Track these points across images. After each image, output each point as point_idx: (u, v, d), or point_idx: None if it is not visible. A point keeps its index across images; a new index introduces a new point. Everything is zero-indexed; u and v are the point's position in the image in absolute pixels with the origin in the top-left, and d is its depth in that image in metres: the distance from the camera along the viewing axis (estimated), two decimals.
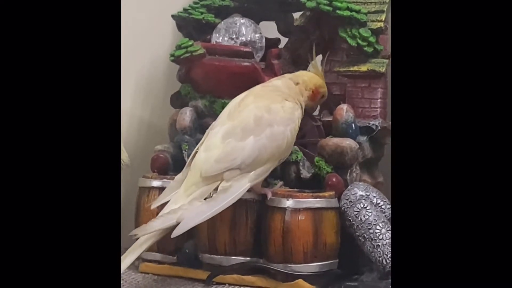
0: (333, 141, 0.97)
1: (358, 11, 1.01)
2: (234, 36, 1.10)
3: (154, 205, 0.95)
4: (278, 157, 0.93)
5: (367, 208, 0.93)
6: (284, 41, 1.12)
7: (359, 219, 0.93)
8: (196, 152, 0.94)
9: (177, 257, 1.00)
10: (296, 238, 0.92)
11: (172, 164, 1.05)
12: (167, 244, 0.98)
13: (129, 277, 0.99)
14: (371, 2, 1.04)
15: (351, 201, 0.94)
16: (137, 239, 0.88)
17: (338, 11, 1.01)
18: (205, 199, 0.89)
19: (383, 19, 1.03)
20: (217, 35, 1.10)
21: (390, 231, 0.92)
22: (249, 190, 0.91)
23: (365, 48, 1.01)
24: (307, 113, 0.99)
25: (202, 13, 1.11)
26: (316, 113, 1.07)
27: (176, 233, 0.86)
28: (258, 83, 1.00)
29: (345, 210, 0.94)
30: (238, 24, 1.10)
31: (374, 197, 0.95)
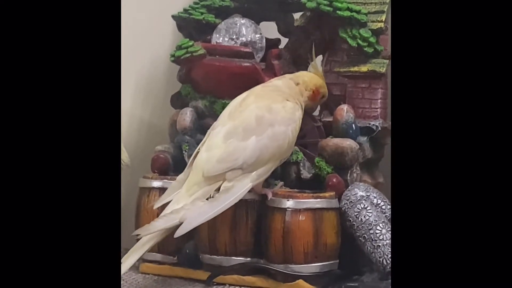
0: (333, 142, 0.97)
1: (358, 12, 1.01)
2: (234, 37, 1.10)
3: (156, 205, 0.95)
4: (279, 157, 0.93)
5: (368, 208, 0.93)
6: (284, 41, 1.12)
7: (360, 219, 0.93)
8: (197, 152, 0.94)
9: (178, 257, 1.00)
10: (296, 238, 0.92)
11: (173, 165, 1.05)
12: (167, 244, 0.98)
13: (130, 277, 0.99)
14: (371, 3, 1.04)
15: (351, 201, 0.94)
16: (139, 239, 0.88)
17: (338, 12, 1.01)
18: (207, 199, 0.89)
19: (383, 20, 1.03)
20: (218, 35, 1.10)
21: (390, 232, 0.92)
22: (249, 191, 0.91)
23: (366, 49, 1.01)
24: (307, 113, 0.99)
25: (202, 13, 1.11)
26: (316, 113, 1.07)
27: (178, 233, 0.86)
28: (258, 84, 1.00)
29: (346, 210, 0.94)
30: (238, 24, 1.10)
31: (375, 197, 0.95)
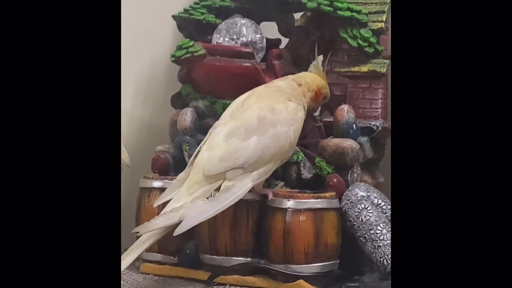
0: (334, 142, 0.97)
1: (359, 12, 1.01)
2: (234, 37, 1.10)
3: (156, 203, 0.95)
4: (280, 157, 0.93)
5: (368, 208, 0.93)
6: (284, 41, 1.12)
7: (360, 219, 0.93)
8: (198, 151, 0.94)
9: (178, 257, 1.00)
10: (297, 238, 0.92)
11: (173, 165, 1.05)
12: (168, 244, 0.98)
13: (130, 277, 0.99)
14: (371, 3, 1.04)
15: (352, 201, 0.94)
16: (138, 237, 0.88)
17: (339, 12, 1.01)
18: (207, 198, 0.89)
19: (384, 20, 1.03)
20: (218, 35, 1.10)
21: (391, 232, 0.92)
22: (250, 191, 0.91)
23: (366, 49, 1.01)
24: (308, 113, 0.99)
25: (202, 13, 1.11)
26: (317, 113, 1.07)
27: (178, 231, 0.86)
28: (258, 84, 1.00)
29: (346, 210, 0.94)
30: (238, 24, 1.10)
31: (375, 197, 0.95)
